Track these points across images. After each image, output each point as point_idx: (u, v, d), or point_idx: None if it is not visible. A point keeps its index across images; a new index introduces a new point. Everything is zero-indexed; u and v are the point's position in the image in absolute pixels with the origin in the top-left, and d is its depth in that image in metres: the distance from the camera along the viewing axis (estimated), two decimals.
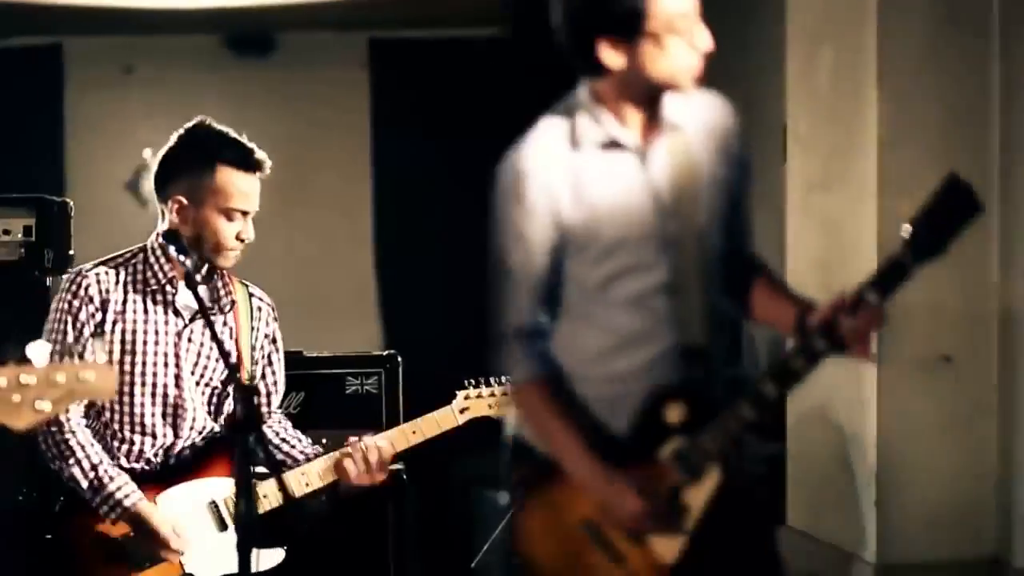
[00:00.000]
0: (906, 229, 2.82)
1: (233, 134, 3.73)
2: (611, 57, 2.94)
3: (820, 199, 5.43)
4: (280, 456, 3.85)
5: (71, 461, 3.60)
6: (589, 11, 2.97)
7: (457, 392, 3.96)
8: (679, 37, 2.92)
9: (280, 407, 3.96)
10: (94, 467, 3.61)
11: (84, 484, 3.60)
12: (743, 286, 3.12)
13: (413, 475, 6.86)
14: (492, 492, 5.62)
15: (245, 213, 3.69)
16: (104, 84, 7.37)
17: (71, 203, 4.76)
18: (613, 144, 3.00)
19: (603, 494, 2.97)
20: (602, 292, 3.02)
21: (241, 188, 3.67)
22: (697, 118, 3.05)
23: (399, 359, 4.54)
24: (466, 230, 7.26)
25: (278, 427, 3.90)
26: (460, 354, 4.71)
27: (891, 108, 4.97)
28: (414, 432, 3.89)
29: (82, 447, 3.62)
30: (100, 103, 7.33)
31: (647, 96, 3.00)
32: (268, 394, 3.89)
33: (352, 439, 3.79)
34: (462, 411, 3.95)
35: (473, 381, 3.97)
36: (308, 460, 3.82)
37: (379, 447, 3.79)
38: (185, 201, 3.66)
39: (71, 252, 4.63)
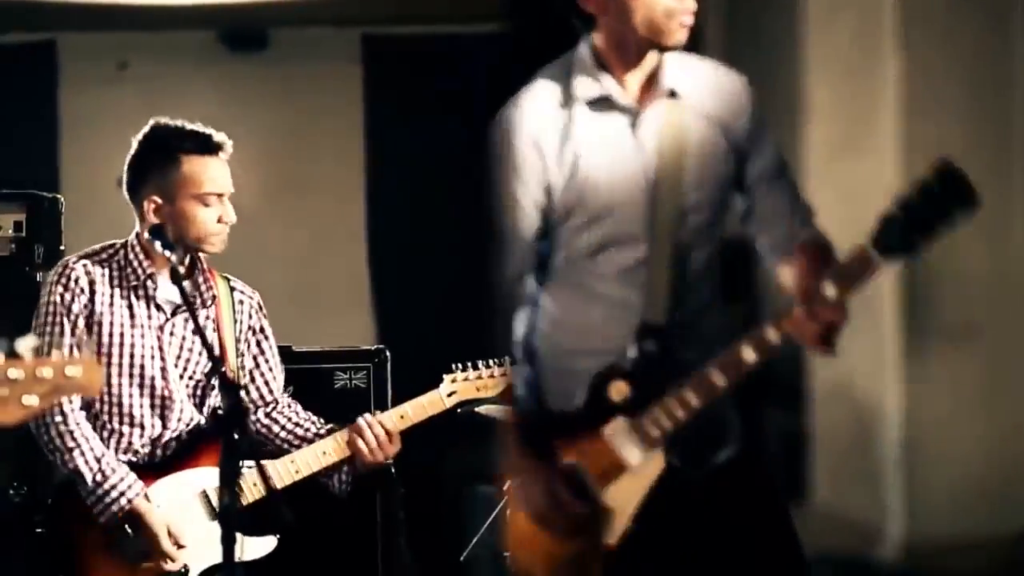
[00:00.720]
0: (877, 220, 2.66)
1: (188, 125, 3.78)
2: (589, 3, 2.93)
3: (841, 167, 5.33)
4: (296, 441, 3.88)
5: (76, 453, 3.64)
6: None
7: (444, 376, 3.97)
8: None
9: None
10: (98, 459, 3.65)
11: (88, 476, 3.63)
12: (740, 267, 3.10)
13: (403, 470, 6.91)
14: (482, 487, 5.64)
15: (220, 196, 3.73)
16: (98, 80, 7.37)
17: (62, 199, 4.79)
18: (605, 102, 2.94)
19: (515, 483, 3.01)
20: (591, 261, 2.98)
21: (208, 173, 3.72)
22: (702, 88, 2.98)
23: (387, 354, 4.56)
24: (459, 225, 7.30)
25: (289, 412, 3.94)
26: (454, 348, 4.74)
27: (913, 72, 4.84)
28: (402, 417, 3.92)
29: (87, 440, 3.66)
30: (94, 99, 7.33)
31: (640, 54, 2.94)
32: (266, 382, 3.93)
33: (361, 417, 3.84)
34: (450, 395, 3.97)
35: (460, 365, 3.99)
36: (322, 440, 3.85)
37: (385, 418, 3.85)
38: (159, 200, 3.71)
39: (62, 248, 4.66)
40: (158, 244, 3.62)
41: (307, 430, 3.91)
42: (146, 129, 3.82)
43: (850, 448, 5.30)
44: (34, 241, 4.58)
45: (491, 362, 4.03)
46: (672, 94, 2.96)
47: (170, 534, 3.62)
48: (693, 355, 2.91)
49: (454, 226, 7.26)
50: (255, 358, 3.93)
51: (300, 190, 7.42)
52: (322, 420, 3.93)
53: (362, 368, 4.54)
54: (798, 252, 2.91)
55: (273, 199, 7.26)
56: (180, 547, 3.64)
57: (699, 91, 2.97)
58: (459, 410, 4.27)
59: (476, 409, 4.58)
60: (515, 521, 3.06)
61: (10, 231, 4.58)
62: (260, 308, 3.97)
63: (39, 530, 3.86)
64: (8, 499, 4.35)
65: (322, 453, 3.82)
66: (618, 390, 2.93)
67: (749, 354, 2.80)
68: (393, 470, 4.49)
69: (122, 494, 3.62)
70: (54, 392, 2.53)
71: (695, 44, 3.22)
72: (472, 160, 7.27)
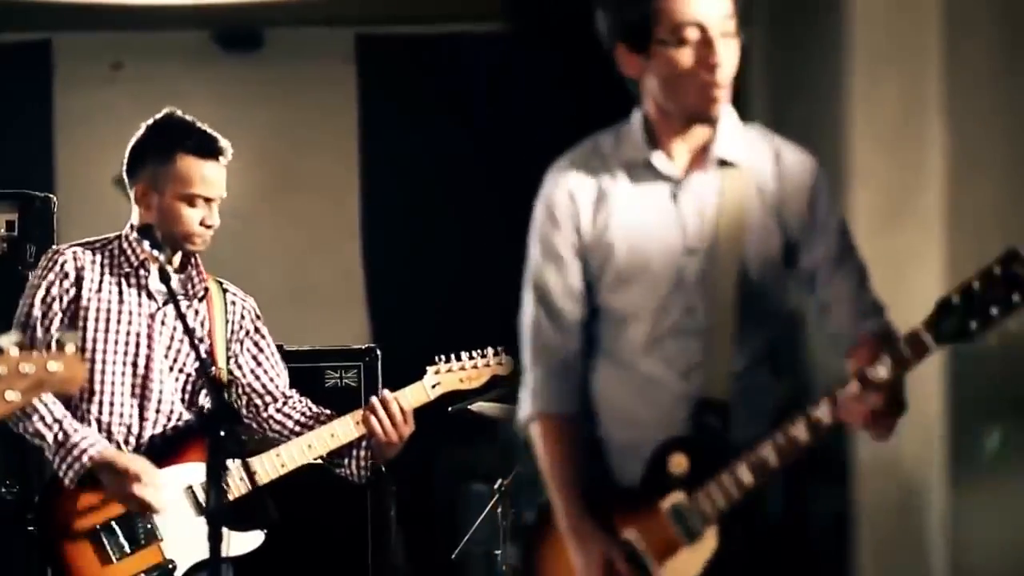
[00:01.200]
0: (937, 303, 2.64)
1: (197, 124, 3.80)
2: (627, 66, 2.91)
3: (885, 236, 5.21)
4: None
5: (35, 417, 3.65)
6: (606, 14, 2.93)
7: (428, 368, 3.98)
8: (692, 48, 2.83)
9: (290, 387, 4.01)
10: (57, 420, 3.66)
11: (49, 436, 3.65)
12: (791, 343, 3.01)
13: (397, 467, 6.92)
14: (475, 485, 5.66)
15: (208, 200, 3.75)
16: (93, 80, 7.39)
17: (54, 198, 4.81)
18: (647, 168, 2.93)
19: (572, 549, 2.92)
20: (621, 329, 2.96)
21: (202, 175, 3.74)
22: (761, 163, 2.93)
23: (378, 352, 4.58)
24: (454, 223, 7.33)
25: (301, 406, 3.96)
26: (448, 346, 4.75)
27: (958, 141, 4.67)
28: None
29: (44, 404, 3.67)
30: (89, 99, 7.35)
31: (686, 123, 2.91)
32: (271, 379, 3.95)
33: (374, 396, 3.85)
34: (434, 386, 3.97)
35: (443, 356, 3.99)
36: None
37: (398, 396, 3.84)
38: (149, 189, 3.74)
39: (54, 247, 4.67)
40: (146, 243, 3.65)
41: (321, 422, 3.93)
42: (158, 116, 3.84)
43: (895, 527, 5.16)
44: (26, 240, 4.60)
45: (474, 353, 4.04)
46: (724, 164, 2.92)
47: (144, 475, 3.62)
48: (748, 431, 2.90)
49: (449, 225, 7.33)
50: (255, 358, 3.95)
51: (295, 190, 7.44)
52: (335, 413, 3.94)
53: (353, 367, 4.56)
54: (862, 339, 2.90)
55: (268, 198, 7.27)
56: (152, 493, 3.63)
57: (757, 165, 2.93)
58: (450, 408, 4.29)
59: (469, 407, 4.60)
60: None
61: (2, 230, 4.61)
62: (255, 312, 3.98)
63: (31, 528, 3.86)
64: (0, 497, 4.38)
65: (330, 436, 3.83)
66: (678, 464, 2.91)
67: (802, 433, 2.80)
68: (384, 468, 4.52)
69: (84, 451, 3.62)
70: (36, 387, 2.55)
71: (738, 111, 3.17)
72: (467, 159, 7.32)
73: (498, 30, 7.46)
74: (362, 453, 3.86)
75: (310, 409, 3.95)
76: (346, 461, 3.87)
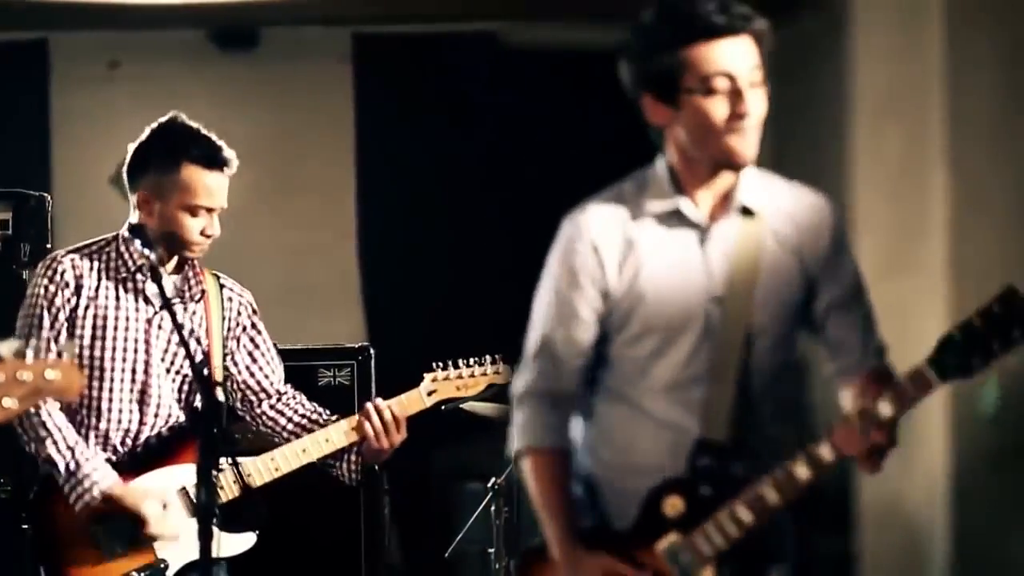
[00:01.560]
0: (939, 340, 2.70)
1: (203, 131, 3.79)
2: (654, 115, 2.92)
3: (886, 285, 5.19)
4: (302, 433, 3.92)
5: (48, 442, 3.66)
6: (632, 65, 2.94)
7: (425, 375, 3.99)
8: (721, 98, 2.85)
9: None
10: (70, 448, 3.67)
11: (61, 465, 3.66)
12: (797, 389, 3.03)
13: (392, 467, 6.92)
14: (470, 484, 5.67)
15: (210, 210, 3.75)
16: (89, 79, 7.39)
17: (48, 198, 4.81)
18: (674, 216, 2.93)
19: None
20: (641, 376, 2.96)
21: (206, 185, 3.73)
22: (780, 209, 2.95)
23: (371, 351, 4.59)
24: (450, 222, 7.34)
25: (295, 403, 3.98)
26: (444, 345, 4.75)
27: (960, 187, 4.75)
28: None
29: (59, 429, 3.68)
30: (85, 98, 7.35)
31: (712, 171, 2.93)
32: (266, 376, 3.96)
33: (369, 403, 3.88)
34: (430, 393, 3.99)
35: (441, 364, 4.00)
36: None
37: (391, 405, 3.88)
38: (151, 196, 3.73)
39: (48, 246, 4.69)
40: (138, 242, 3.65)
41: (314, 421, 3.94)
42: (162, 120, 3.82)
43: (899, 571, 5.18)
44: (20, 240, 4.61)
45: (471, 361, 4.05)
46: (745, 211, 2.94)
47: (150, 516, 3.65)
48: (748, 472, 2.91)
49: (445, 224, 7.34)
50: (251, 354, 3.96)
51: (291, 189, 7.44)
52: (328, 411, 3.95)
53: (346, 365, 4.56)
54: (861, 378, 2.95)
55: (264, 198, 7.27)
56: (154, 535, 3.65)
57: (776, 212, 2.96)
58: (443, 407, 4.29)
59: (461, 406, 4.60)
60: None
61: None
62: (252, 307, 3.99)
63: (25, 526, 3.87)
64: None
65: (325, 440, 3.86)
66: (672, 505, 2.92)
67: (803, 471, 2.83)
68: (377, 467, 4.52)
69: (95, 483, 3.65)
70: (33, 394, 2.57)
71: None
72: (463, 159, 7.32)
73: (495, 30, 7.47)
74: (354, 457, 3.89)
75: (303, 406, 3.96)
76: (338, 463, 3.89)
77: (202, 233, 3.74)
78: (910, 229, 5.01)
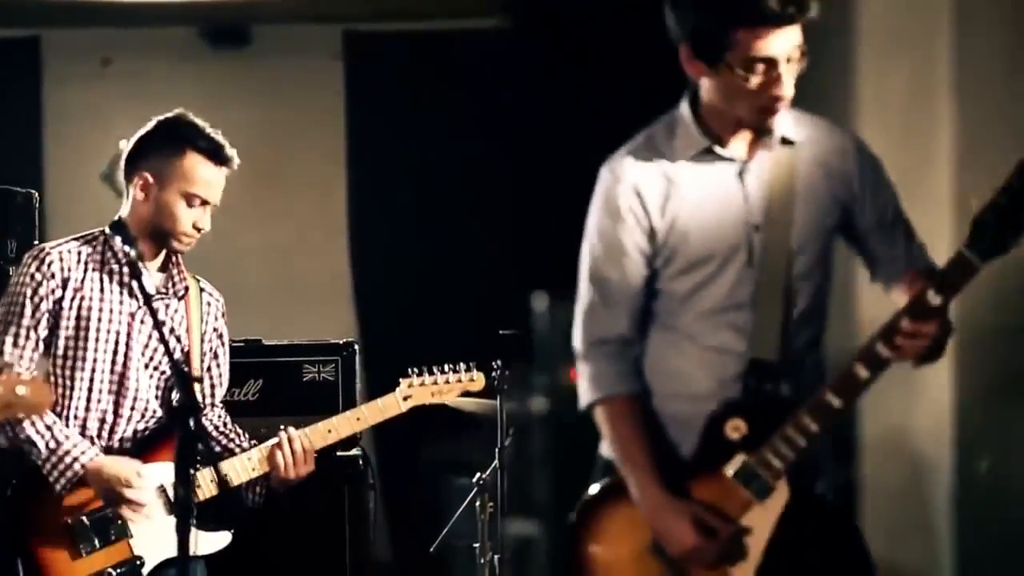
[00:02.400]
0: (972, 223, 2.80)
1: (208, 129, 3.82)
2: (688, 66, 2.98)
3: None
4: (218, 449, 3.93)
5: (26, 423, 3.67)
6: (679, 14, 2.98)
7: (401, 380, 4.02)
8: (759, 78, 2.91)
9: (223, 399, 4.03)
10: (48, 427, 3.69)
11: (41, 444, 3.67)
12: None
13: (383, 461, 6.95)
14: (459, 479, 5.68)
15: (205, 203, 3.77)
16: (82, 76, 7.41)
17: (35, 194, 4.82)
18: (710, 154, 3.02)
19: (659, 523, 2.98)
20: (687, 304, 3.03)
21: (206, 177, 3.77)
22: (814, 140, 3.05)
23: (356, 347, 4.60)
24: (440, 219, 7.35)
25: (218, 421, 3.98)
26: (434, 342, 4.77)
27: (967, 125, 4.72)
28: (358, 419, 3.97)
29: None
30: (78, 95, 7.37)
31: (739, 127, 3.02)
32: (213, 386, 3.98)
33: (281, 430, 3.88)
34: (405, 398, 4.02)
35: (416, 369, 4.04)
36: (245, 452, 3.90)
37: (304, 436, 3.87)
38: (151, 179, 3.77)
39: (36, 242, 4.69)
40: (118, 239, 3.66)
41: (231, 440, 3.95)
42: (169, 114, 3.86)
43: (902, 501, 5.16)
44: (7, 236, 4.61)
45: (446, 367, 4.08)
46: (785, 141, 3.03)
47: (130, 481, 3.66)
48: (795, 391, 3.00)
49: (436, 221, 7.35)
50: (209, 362, 3.97)
51: (282, 185, 7.45)
52: (247, 435, 3.96)
53: (330, 361, 4.57)
54: (907, 275, 3.02)
55: (255, 194, 7.27)
56: (139, 500, 3.67)
57: (811, 142, 3.06)
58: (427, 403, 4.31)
59: (446, 403, 4.61)
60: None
61: None
62: (222, 310, 4.01)
63: (2, 522, 3.88)
64: None
65: (249, 466, 3.86)
66: (735, 428, 2.98)
67: (862, 371, 2.89)
68: (361, 462, 4.54)
69: (76, 458, 3.66)
70: (4, 408, 2.60)
71: None
72: (454, 156, 7.32)
73: (486, 26, 7.49)
74: (263, 480, 3.89)
75: (226, 424, 3.98)
76: (247, 488, 3.90)
77: (194, 226, 3.77)
78: (916, 166, 5.03)
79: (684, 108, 3.05)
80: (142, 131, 3.86)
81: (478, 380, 4.13)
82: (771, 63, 2.90)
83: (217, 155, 3.79)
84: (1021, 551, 4.83)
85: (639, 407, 3.05)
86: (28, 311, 3.74)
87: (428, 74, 7.38)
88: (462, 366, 4.09)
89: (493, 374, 4.45)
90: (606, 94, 7.17)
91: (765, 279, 2.99)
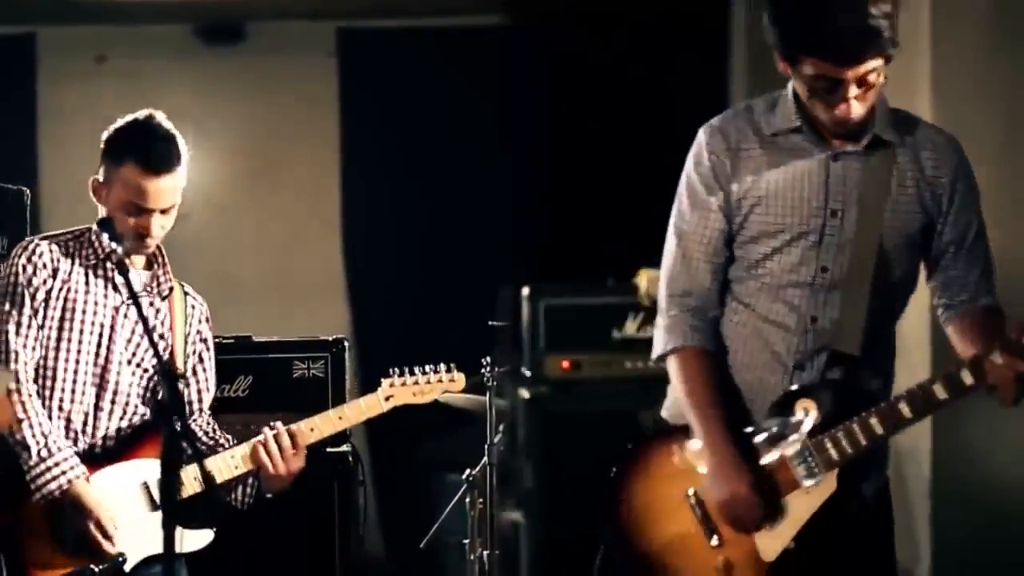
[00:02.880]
0: None
1: (160, 132, 3.77)
2: (779, 62, 3.07)
3: None
4: (205, 450, 3.91)
5: (25, 424, 3.66)
6: (767, 16, 3.05)
7: (382, 380, 4.02)
8: (831, 97, 2.98)
9: (211, 404, 4.03)
10: (45, 435, 3.68)
11: (33, 449, 3.66)
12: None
13: (376, 457, 6.96)
14: (451, 475, 5.69)
15: (148, 211, 3.74)
16: (77, 73, 7.44)
17: (27, 191, 4.82)
18: (802, 133, 3.09)
19: (717, 468, 3.05)
20: (752, 272, 3.13)
21: (141, 187, 3.72)
22: (912, 144, 3.10)
23: (345, 344, 4.60)
24: (434, 216, 7.37)
25: (207, 427, 3.98)
26: (427, 338, 4.78)
27: (945, 120, 4.79)
28: (340, 418, 3.96)
29: (37, 414, 3.69)
30: (72, 92, 7.39)
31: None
32: (199, 392, 3.97)
33: (267, 427, 3.87)
34: (387, 398, 4.02)
35: (397, 370, 4.04)
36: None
37: (292, 432, 3.86)
38: (102, 184, 3.78)
39: (27, 238, 4.69)
40: (105, 236, 3.68)
41: (218, 443, 3.93)
42: (138, 115, 3.82)
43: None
44: None
45: (427, 368, 4.09)
46: (877, 139, 3.08)
47: (104, 521, 3.65)
48: (869, 387, 3.09)
49: (429, 218, 7.36)
50: (195, 367, 3.97)
51: (276, 183, 7.47)
52: (236, 441, 3.93)
53: (320, 358, 4.56)
54: (978, 314, 3.08)
55: (249, 191, 7.31)
56: (107, 537, 3.66)
57: (910, 146, 3.10)
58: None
59: (437, 399, 4.62)
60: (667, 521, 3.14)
61: None
62: (206, 316, 4.01)
63: None
64: None
65: (232, 464, 3.84)
66: (804, 410, 3.03)
67: (941, 392, 2.95)
68: (351, 458, 4.54)
69: (63, 473, 3.65)
70: None
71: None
72: (447, 153, 7.33)
73: (480, 23, 7.50)
74: (250, 481, 3.86)
75: (215, 430, 3.97)
76: (232, 488, 3.88)
77: (141, 231, 3.74)
78: None
79: (790, 87, 3.13)
80: (104, 133, 3.86)
81: (459, 380, 4.14)
82: (839, 82, 2.97)
83: (151, 164, 3.72)
84: (998, 538, 4.86)
85: (712, 361, 3.14)
86: (27, 300, 3.75)
87: (422, 71, 7.39)
88: (443, 366, 4.10)
89: (483, 371, 4.46)
90: (606, 94, 7.19)
91: (853, 276, 3.06)
